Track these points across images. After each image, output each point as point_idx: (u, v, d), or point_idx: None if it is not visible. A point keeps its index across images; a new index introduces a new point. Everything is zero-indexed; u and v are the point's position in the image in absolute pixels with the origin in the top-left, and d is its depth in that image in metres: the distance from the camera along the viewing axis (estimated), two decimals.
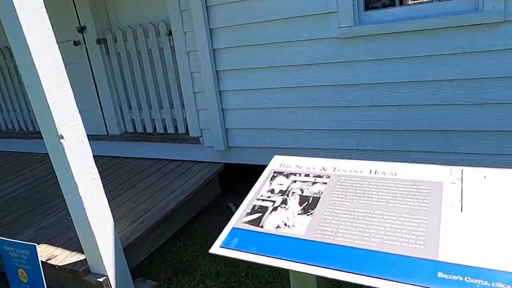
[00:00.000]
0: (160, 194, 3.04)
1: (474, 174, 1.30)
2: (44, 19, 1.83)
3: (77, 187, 2.01)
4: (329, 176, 1.46)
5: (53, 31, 1.87)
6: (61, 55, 1.91)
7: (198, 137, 3.41)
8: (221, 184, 3.50)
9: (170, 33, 3.26)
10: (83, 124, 2.03)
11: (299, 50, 2.76)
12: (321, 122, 2.87)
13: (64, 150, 1.94)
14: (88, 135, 2.09)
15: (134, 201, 3.00)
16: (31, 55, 1.78)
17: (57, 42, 1.89)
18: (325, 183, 1.43)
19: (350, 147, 2.84)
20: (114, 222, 2.26)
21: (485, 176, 1.27)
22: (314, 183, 1.45)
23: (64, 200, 2.12)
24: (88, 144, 2.07)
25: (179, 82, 3.35)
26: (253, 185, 3.64)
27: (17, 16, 1.73)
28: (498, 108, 2.32)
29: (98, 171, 2.12)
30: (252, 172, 3.63)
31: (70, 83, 1.95)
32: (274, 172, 1.58)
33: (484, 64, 2.28)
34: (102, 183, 2.15)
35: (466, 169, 1.33)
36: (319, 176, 1.48)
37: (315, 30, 2.66)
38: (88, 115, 3.83)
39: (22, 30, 1.75)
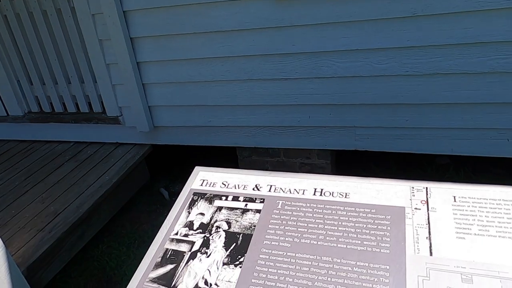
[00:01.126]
0: (75, 190, 2.58)
1: (441, 194, 1.03)
2: None
3: None
4: (263, 200, 1.13)
5: None
6: None
7: (117, 116, 2.90)
8: (151, 168, 3.08)
9: None
10: None
11: (229, 13, 2.30)
12: (258, 96, 2.50)
13: None
14: None
15: (42, 200, 2.52)
16: None
17: None
18: (259, 211, 1.10)
19: (291, 123, 2.53)
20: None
21: (454, 198, 1.01)
22: (244, 211, 1.12)
23: None
24: None
25: (87, 51, 2.76)
26: (187, 166, 3.21)
27: None
28: (449, 79, 2.09)
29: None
30: (185, 153, 3.23)
31: None
32: (194, 195, 1.22)
33: (436, 30, 2.00)
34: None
35: (432, 187, 1.05)
36: (251, 200, 1.14)
37: None
38: None
39: None
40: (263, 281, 0.93)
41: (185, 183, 1.30)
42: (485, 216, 0.95)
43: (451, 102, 2.14)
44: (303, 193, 1.13)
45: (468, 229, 0.93)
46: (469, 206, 0.98)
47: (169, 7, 2.41)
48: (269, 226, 1.05)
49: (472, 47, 2.00)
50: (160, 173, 3.17)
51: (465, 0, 1.88)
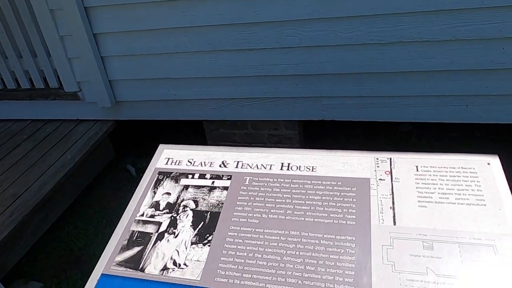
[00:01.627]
0: (35, 170, 2.46)
1: (404, 165, 1.05)
2: None
3: None
4: (231, 177, 1.12)
5: None
6: None
7: (76, 92, 2.76)
8: (115, 145, 2.99)
9: None
10: None
11: None
12: (224, 68, 2.44)
13: None
14: None
15: (0, 183, 2.40)
16: None
17: None
18: (226, 188, 1.09)
19: (258, 95, 2.50)
20: None
21: (417, 167, 1.04)
22: (211, 188, 1.10)
23: None
24: None
25: (38, 23, 2.56)
26: (153, 141, 3.15)
27: None
28: (412, 47, 2.11)
29: None
30: (151, 128, 3.14)
31: None
32: (159, 174, 1.18)
33: None
34: None
35: (396, 158, 1.07)
36: (218, 177, 1.13)
37: None
38: None
39: None
40: (232, 258, 0.93)
41: (152, 158, 1.26)
42: (445, 184, 0.98)
43: (414, 70, 2.17)
44: (270, 168, 1.12)
45: (429, 197, 0.96)
46: (430, 175, 1.01)
47: None
48: (237, 203, 1.05)
49: (435, 15, 2.01)
50: (126, 149, 3.08)
51: None
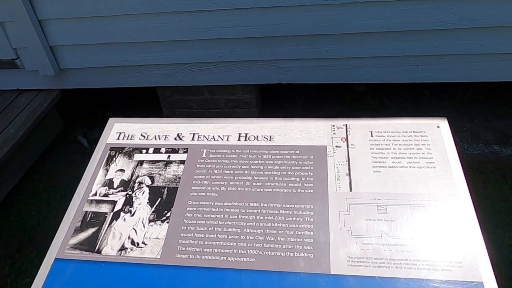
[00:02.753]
0: None
1: (359, 131, 1.06)
2: None
3: None
4: (187, 150, 1.08)
5: None
6: None
7: (13, 59, 2.53)
8: (64, 115, 2.82)
9: None
10: None
11: None
12: (176, 31, 2.32)
13: None
14: None
15: None
16: None
17: None
18: (183, 162, 1.06)
19: (213, 59, 2.41)
20: None
21: (371, 133, 1.05)
22: (167, 163, 1.06)
23: None
24: None
25: None
26: (105, 109, 3.00)
27: None
28: (365, 7, 2.10)
29: None
30: (102, 96, 2.98)
31: None
32: (111, 150, 1.12)
33: None
34: None
35: (351, 124, 1.08)
36: (174, 151, 1.09)
37: None
38: None
39: None
40: (192, 233, 0.92)
41: (102, 133, 1.19)
42: (398, 148, 1.01)
43: (367, 31, 2.18)
44: (227, 139, 1.10)
45: (383, 162, 0.99)
46: (384, 140, 1.04)
47: None
48: (195, 177, 1.02)
49: None
50: (76, 120, 2.92)
51: None
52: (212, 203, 0.96)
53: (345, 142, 1.05)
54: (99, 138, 1.21)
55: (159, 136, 1.13)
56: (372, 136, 1.05)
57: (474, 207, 0.87)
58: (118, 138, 1.15)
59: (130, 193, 1.01)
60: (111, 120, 1.21)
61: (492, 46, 2.15)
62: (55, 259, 0.91)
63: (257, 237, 0.89)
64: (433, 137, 1.02)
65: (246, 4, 2.16)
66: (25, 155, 2.44)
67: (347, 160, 1.01)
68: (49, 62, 2.49)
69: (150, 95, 2.78)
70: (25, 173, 2.45)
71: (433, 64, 2.26)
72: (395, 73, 2.33)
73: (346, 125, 1.09)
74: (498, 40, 2.13)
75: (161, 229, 0.93)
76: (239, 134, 1.11)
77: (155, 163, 1.07)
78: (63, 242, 0.94)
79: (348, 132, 1.07)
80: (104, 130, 1.18)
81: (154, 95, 2.74)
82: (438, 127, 1.04)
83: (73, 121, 2.89)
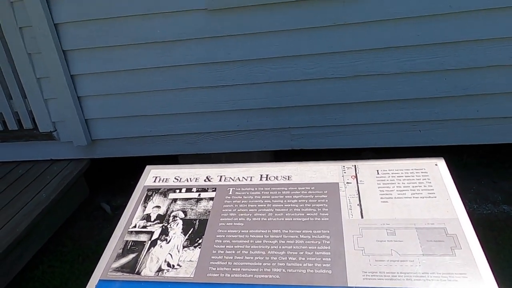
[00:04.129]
0: (9, 211, 2.44)
1: (367, 169, 1.21)
2: None
3: None
4: (215, 189, 1.23)
5: None
6: None
7: (51, 132, 2.81)
8: (89, 183, 3.01)
9: None
10: None
11: (165, 24, 2.38)
12: (198, 104, 2.60)
13: None
14: None
15: None
16: None
17: None
18: (212, 199, 1.20)
19: (231, 128, 2.65)
20: None
21: (378, 171, 1.20)
22: (198, 200, 1.21)
23: None
24: None
25: (14, 66, 2.65)
26: (128, 178, 3.18)
27: None
28: (368, 79, 2.37)
29: None
30: (125, 164, 3.20)
31: None
32: (148, 191, 1.28)
33: (355, 37, 2.27)
34: None
35: (359, 164, 1.24)
36: (204, 190, 1.24)
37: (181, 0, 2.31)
38: None
39: None
40: (222, 256, 1.03)
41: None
42: (402, 183, 1.15)
43: (370, 100, 2.42)
44: (250, 180, 1.25)
45: (389, 194, 1.12)
46: (389, 177, 1.18)
47: (103, 19, 2.43)
48: (223, 210, 1.16)
49: (385, 52, 2.30)
50: (100, 187, 3.10)
51: (377, 10, 2.17)
52: (239, 231, 1.08)
53: (355, 179, 1.19)
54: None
55: (190, 178, 1.29)
56: (378, 173, 1.19)
57: (472, 224, 0.98)
58: (155, 181, 1.31)
59: (166, 225, 1.14)
60: (148, 167, 1.38)
61: (487, 111, 2.36)
62: (99, 280, 1.02)
63: (280, 258, 0.99)
64: (433, 173, 1.16)
65: (261, 79, 2.46)
66: (53, 219, 2.58)
67: (357, 193, 1.14)
68: (83, 134, 2.75)
69: (171, 163, 2.98)
70: (50, 237, 2.56)
71: (434, 128, 2.45)
72: (399, 138, 2.52)
73: (355, 165, 1.24)
74: (491, 106, 2.34)
75: (194, 253, 1.04)
76: (261, 175, 1.26)
77: (187, 200, 1.21)
78: (106, 266, 1.05)
79: (357, 171, 1.22)
80: (142, 175, 1.35)
81: (175, 162, 2.94)
82: (436, 165, 1.19)
83: (97, 188, 3.07)
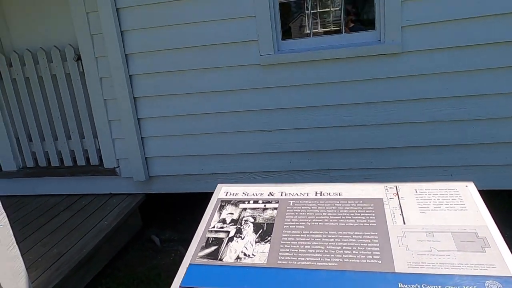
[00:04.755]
0: (75, 234, 2.74)
1: (407, 189, 1.44)
2: None
3: None
4: (278, 201, 1.49)
5: None
6: None
7: (114, 168, 3.17)
8: (142, 216, 3.29)
9: (78, 58, 3.02)
10: None
11: (219, 77, 2.79)
12: (246, 146, 2.92)
13: None
14: None
15: (43, 244, 2.65)
16: None
17: None
18: (276, 208, 1.45)
19: (275, 169, 2.93)
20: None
21: (416, 190, 1.43)
22: (264, 209, 1.46)
23: None
24: None
25: (91, 110, 3.10)
26: (176, 214, 3.50)
27: None
28: (401, 127, 2.63)
29: None
30: (173, 201, 3.49)
31: None
32: (222, 201, 1.55)
33: (389, 89, 2.58)
34: None
35: (400, 185, 1.47)
36: (268, 202, 1.49)
37: (236, 57, 2.72)
38: None
39: None
40: (288, 249, 1.26)
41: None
42: (437, 199, 1.37)
43: (404, 146, 2.66)
44: (307, 195, 1.50)
45: (427, 207, 1.34)
46: (426, 195, 1.40)
47: (169, 72, 2.87)
48: (286, 217, 1.40)
49: (416, 103, 2.58)
50: (150, 220, 3.38)
51: (408, 66, 2.49)
52: (301, 232, 1.32)
53: (396, 196, 1.42)
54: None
55: (255, 193, 1.56)
56: (416, 192, 1.42)
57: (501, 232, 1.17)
58: (226, 195, 1.58)
59: (239, 226, 1.39)
60: (219, 185, 1.66)
61: None
62: (190, 264, 1.26)
63: (337, 251, 1.22)
64: (464, 192, 1.38)
65: (304, 125, 2.77)
66: (111, 245, 2.85)
67: (399, 206, 1.36)
68: (143, 170, 3.10)
69: None
70: (108, 261, 2.81)
71: (465, 173, 2.63)
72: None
73: (396, 186, 1.47)
74: None
75: (264, 247, 1.28)
76: (316, 191, 1.51)
77: (255, 209, 1.47)
78: (194, 255, 1.30)
79: (398, 190, 1.45)
80: (215, 191, 1.63)
81: None
82: (466, 186, 1.41)
83: (148, 221, 3.35)
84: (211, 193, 3.22)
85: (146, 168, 3.12)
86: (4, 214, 1.83)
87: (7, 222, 1.84)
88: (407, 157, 2.69)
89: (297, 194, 1.51)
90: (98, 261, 2.69)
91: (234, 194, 1.58)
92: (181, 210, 3.48)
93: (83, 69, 3.01)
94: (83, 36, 2.89)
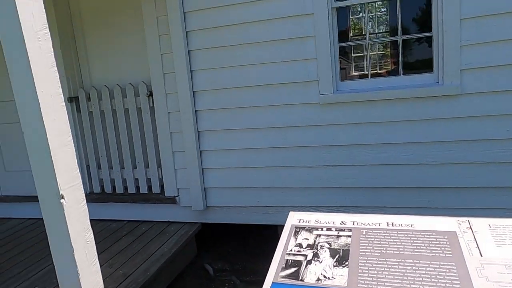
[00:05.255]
0: (139, 257, 2.89)
1: (480, 223, 1.48)
2: (55, 77, 1.83)
3: (73, 251, 1.89)
4: (351, 230, 1.57)
5: None
6: None
7: (174, 196, 3.36)
8: (197, 243, 3.42)
9: (150, 94, 3.32)
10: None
11: (280, 114, 2.96)
12: (303, 180, 3.02)
13: (63, 211, 1.85)
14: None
15: (110, 265, 2.82)
16: (40, 113, 1.75)
17: None
18: (349, 236, 1.53)
19: (329, 204, 2.99)
20: None
21: (489, 225, 1.46)
22: (338, 236, 1.54)
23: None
24: (86, 205, 1.99)
25: (157, 141, 3.35)
26: (228, 244, 3.60)
27: (31, 72, 1.72)
28: (460, 167, 2.65)
29: None
30: (225, 230, 3.60)
31: None
32: (296, 228, 1.65)
33: (447, 129, 2.63)
34: None
35: (472, 220, 1.51)
36: (341, 230, 1.58)
37: (296, 95, 2.90)
38: None
39: (35, 88, 1.73)
40: (367, 274, 1.32)
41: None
42: None
43: (462, 186, 2.66)
44: (379, 225, 1.57)
45: (503, 242, 1.37)
46: (500, 230, 1.43)
47: (231, 108, 3.08)
48: (360, 244, 1.48)
49: (475, 143, 2.60)
50: (203, 248, 3.49)
51: (467, 108, 2.55)
52: (377, 259, 1.39)
53: (470, 229, 1.46)
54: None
55: (327, 221, 1.65)
56: (490, 227, 1.46)
57: None
58: (299, 222, 1.68)
59: (316, 251, 1.48)
60: (291, 212, 1.77)
61: None
62: (272, 283, 1.36)
63: (416, 278, 1.27)
64: None
65: (360, 162, 2.85)
66: (170, 271, 2.97)
67: (474, 239, 1.41)
68: (202, 200, 3.26)
69: (268, 231, 3.32)
70: (166, 286, 2.92)
71: None
72: None
73: (468, 220, 1.52)
74: None
75: (343, 271, 1.35)
76: (387, 222, 1.58)
77: (329, 236, 1.56)
78: (275, 275, 1.39)
79: (471, 224, 1.49)
80: (288, 218, 1.73)
81: (272, 231, 3.28)
82: None
83: (202, 249, 3.46)
84: (264, 226, 3.32)
85: (204, 198, 3.28)
86: (91, 231, 2.02)
87: (93, 239, 2.03)
88: (467, 197, 2.67)
89: (369, 224, 1.58)
90: (159, 284, 2.81)
91: (307, 221, 1.68)
92: (233, 241, 3.57)
93: (153, 104, 3.29)
94: (157, 74, 3.19)
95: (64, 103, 1.87)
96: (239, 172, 3.17)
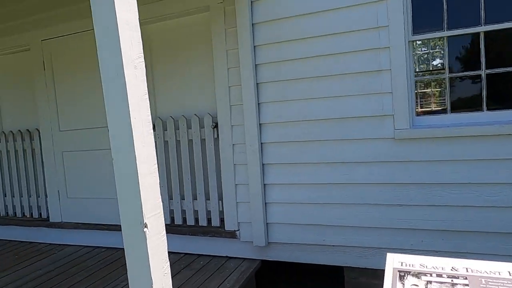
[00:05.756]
0: None
1: None
2: (146, 105, 1.84)
3: (152, 284, 1.82)
4: (466, 277, 1.40)
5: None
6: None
7: (235, 231, 3.27)
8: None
9: (215, 126, 3.33)
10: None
11: (351, 148, 2.86)
12: (373, 219, 2.85)
13: (146, 240, 1.80)
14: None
15: None
16: (132, 139, 1.75)
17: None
18: (467, 285, 1.36)
19: (403, 246, 2.79)
20: None
21: None
22: (453, 284, 1.38)
23: None
24: (165, 235, 1.94)
25: (219, 173, 3.32)
26: (285, 284, 3.40)
27: (127, 99, 1.74)
28: None
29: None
30: (283, 268, 3.43)
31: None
32: (400, 271, 1.50)
33: None
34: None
35: None
36: (455, 277, 1.41)
37: (370, 130, 2.79)
38: (101, 202, 3.65)
39: (129, 115, 1.74)
40: None
41: (386, 263, 1.58)
42: None
43: None
44: (499, 274, 1.39)
45: None
46: None
47: (298, 142, 3.01)
48: None
49: None
50: (261, 286, 3.33)
51: None
52: None
53: None
54: None
55: (435, 266, 1.49)
56: None
57: None
58: (402, 265, 1.53)
59: None
60: (389, 254, 1.62)
61: None
62: None
63: None
64: None
65: (439, 202, 2.66)
66: None
67: None
68: (263, 236, 3.14)
69: (332, 273, 3.12)
70: None
71: None
72: None
73: None
74: None
75: None
76: (509, 271, 1.40)
77: (442, 283, 1.39)
78: None
79: None
80: (387, 260, 1.59)
81: (335, 273, 3.08)
82: None
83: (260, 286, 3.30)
84: (325, 266, 3.13)
85: (266, 233, 3.17)
86: (168, 263, 1.96)
87: (170, 271, 1.95)
88: None
89: (486, 272, 1.41)
90: None
91: (411, 265, 1.52)
92: (291, 280, 3.39)
93: (218, 135, 3.29)
94: (223, 106, 3.21)
95: (152, 131, 1.87)
96: (303, 208, 3.05)
